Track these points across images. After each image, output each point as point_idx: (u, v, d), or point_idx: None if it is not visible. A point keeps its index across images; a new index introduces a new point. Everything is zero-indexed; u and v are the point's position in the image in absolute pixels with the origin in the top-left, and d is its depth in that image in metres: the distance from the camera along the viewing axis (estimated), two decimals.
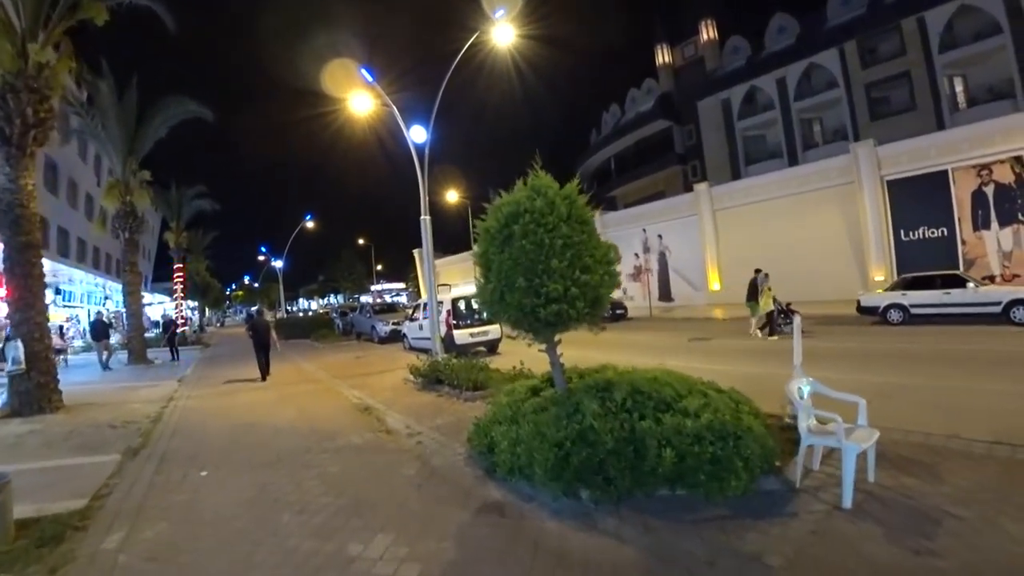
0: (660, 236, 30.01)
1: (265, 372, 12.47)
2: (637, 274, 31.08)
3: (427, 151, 13.37)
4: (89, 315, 29.88)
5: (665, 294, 29.42)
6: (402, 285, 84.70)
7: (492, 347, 15.15)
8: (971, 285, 13.26)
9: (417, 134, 13.39)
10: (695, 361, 10.14)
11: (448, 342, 13.71)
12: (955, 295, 13.24)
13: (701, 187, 28.15)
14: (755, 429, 4.17)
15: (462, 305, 14.89)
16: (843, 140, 34.91)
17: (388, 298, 66.53)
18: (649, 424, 4.10)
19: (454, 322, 14.37)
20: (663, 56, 47.39)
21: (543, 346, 5.20)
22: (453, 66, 12.73)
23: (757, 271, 14.62)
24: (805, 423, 4.25)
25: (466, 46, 12.53)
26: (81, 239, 31.83)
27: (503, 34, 12.36)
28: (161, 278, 48.16)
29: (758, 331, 13.78)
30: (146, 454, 6.14)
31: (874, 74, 33.62)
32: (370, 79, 12.80)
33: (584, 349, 14.42)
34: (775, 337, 12.82)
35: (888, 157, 20.60)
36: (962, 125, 21.55)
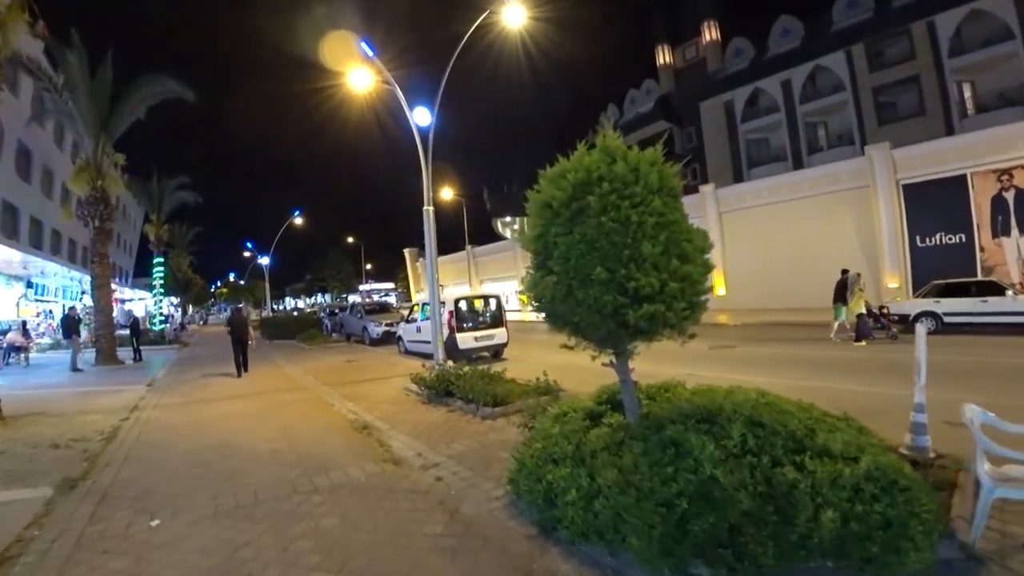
0: None
1: (241, 368, 12.72)
2: None
3: (431, 135, 12.13)
4: (64, 310, 28.15)
5: None
6: (391, 285, 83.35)
7: (497, 352, 13.94)
8: (1010, 293, 12.53)
9: (421, 116, 12.13)
10: (728, 371, 9.18)
11: (450, 347, 12.45)
12: (992, 303, 12.45)
13: (707, 189, 27.29)
14: (910, 474, 2.99)
15: (465, 307, 13.60)
16: (849, 144, 34.41)
17: (377, 298, 65.10)
18: (792, 474, 2.86)
19: (457, 325, 13.06)
20: (664, 57, 46.56)
21: (609, 359, 3.95)
22: (460, 46, 11.50)
23: (845, 271, 13.59)
24: (984, 467, 3.11)
25: (473, 27, 11.34)
26: (56, 231, 30.08)
27: (514, 15, 11.33)
28: (143, 273, 46.10)
29: (839, 336, 12.64)
30: (85, 488, 4.78)
31: (882, 78, 33.06)
32: (370, 53, 11.50)
33: (569, 354, 12.85)
34: (863, 343, 11.68)
35: (904, 160, 19.90)
36: (971, 131, 20.98)
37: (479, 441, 5.68)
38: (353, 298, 73.00)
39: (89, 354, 15.68)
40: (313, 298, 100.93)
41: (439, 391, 7.95)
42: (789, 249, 22.50)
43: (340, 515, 3.87)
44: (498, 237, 53.89)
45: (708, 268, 3.72)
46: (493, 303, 14.17)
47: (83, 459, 5.67)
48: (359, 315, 21.02)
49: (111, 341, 15.38)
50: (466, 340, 12.96)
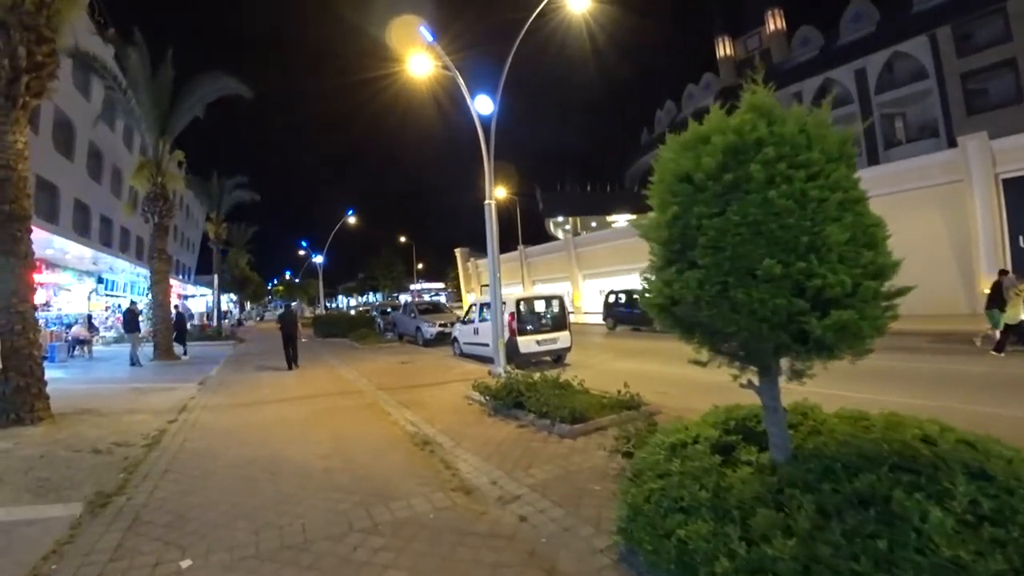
0: None
1: (291, 362, 13.62)
2: None
3: (494, 124, 11.41)
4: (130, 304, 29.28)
5: None
6: (441, 285, 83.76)
7: (559, 358, 13.07)
8: None
9: (482, 105, 11.42)
10: (826, 386, 7.64)
11: (511, 350, 11.67)
12: None
13: None
14: None
15: (526, 308, 12.80)
16: (932, 137, 31.76)
17: (427, 297, 65.30)
18: None
19: (518, 327, 12.27)
20: (724, 49, 44.57)
21: (748, 379, 3.03)
22: (522, 33, 10.75)
23: (1003, 272, 11.88)
24: None
25: (533, 15, 10.58)
26: (125, 228, 31.29)
27: (577, 2, 10.60)
28: (206, 271, 47.69)
29: (985, 344, 11.21)
30: (118, 506, 4.21)
31: (972, 63, 30.12)
32: (430, 38, 10.89)
33: (635, 359, 12.42)
34: (1002, 355, 10.17)
35: (1004, 152, 17.64)
36: None
37: (562, 467, 4.81)
38: (404, 297, 73.86)
39: (148, 348, 15.83)
40: (364, 297, 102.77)
41: (507, 402, 7.14)
42: None
43: (407, 568, 3.10)
44: (548, 238, 53.04)
45: (897, 264, 2.75)
46: (556, 304, 13.31)
47: (122, 468, 5.15)
48: (412, 315, 20.58)
49: (168, 336, 15.48)
50: (528, 344, 12.15)
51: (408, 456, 5.46)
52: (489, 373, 10.91)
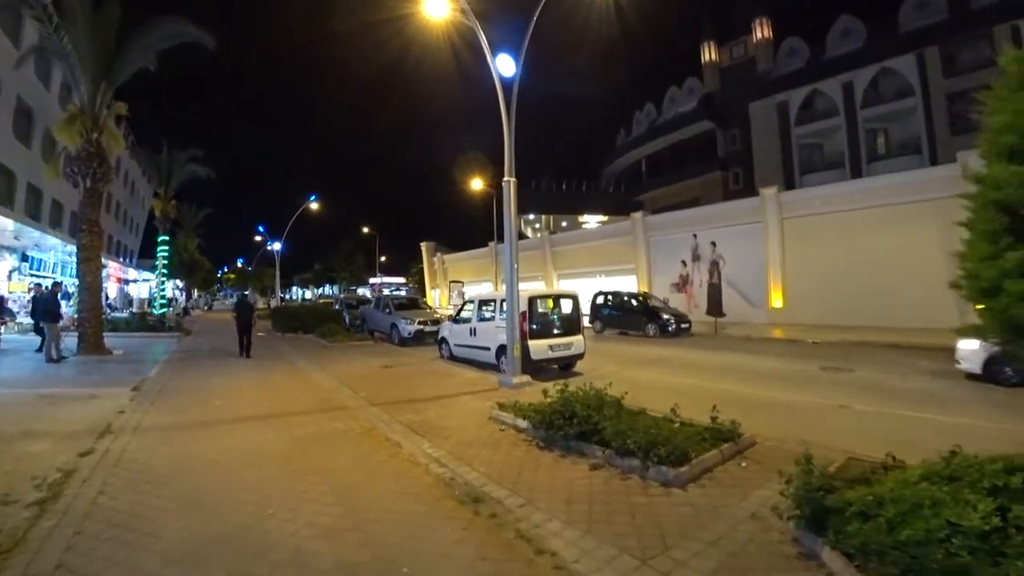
0: (714, 243, 26.49)
1: (245, 351, 13.54)
2: (683, 284, 27.70)
3: (515, 88, 9.54)
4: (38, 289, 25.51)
5: (715, 308, 25.83)
6: (402, 280, 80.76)
7: (569, 365, 11.33)
8: None
9: (504, 65, 9.54)
10: (880, 403, 7.44)
11: (523, 355, 9.83)
12: None
13: (768, 192, 24.68)
14: None
15: (539, 308, 10.99)
16: (915, 154, 31.85)
17: (386, 292, 62.20)
18: None
19: (528, 330, 10.41)
20: (709, 54, 43.91)
21: None
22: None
23: None
24: None
25: None
26: (57, 201, 27.74)
27: None
28: (149, 255, 43.64)
29: None
30: None
31: (959, 84, 30.32)
32: None
33: (649, 368, 11.18)
34: None
35: None
36: None
37: (710, 543, 3.07)
38: (362, 291, 70.51)
39: (71, 340, 12.93)
40: (321, 289, 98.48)
41: (565, 431, 5.28)
42: (859, 262, 20.22)
43: None
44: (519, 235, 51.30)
45: None
46: (569, 304, 11.54)
47: None
48: (387, 310, 18.36)
49: (97, 327, 12.58)
50: (539, 349, 10.29)
51: (464, 528, 3.52)
52: (499, 384, 9.08)
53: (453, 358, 12.79)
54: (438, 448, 5.39)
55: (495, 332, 11.11)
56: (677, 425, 5.37)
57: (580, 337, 11.33)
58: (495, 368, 10.97)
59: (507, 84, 9.49)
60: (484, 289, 42.64)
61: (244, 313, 14.32)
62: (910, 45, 31.89)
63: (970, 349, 8.87)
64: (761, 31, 40.61)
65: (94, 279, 12.60)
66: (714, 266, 26.48)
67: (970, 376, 8.96)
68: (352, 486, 4.35)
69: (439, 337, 13.65)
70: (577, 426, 5.26)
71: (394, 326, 17.37)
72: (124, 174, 45.35)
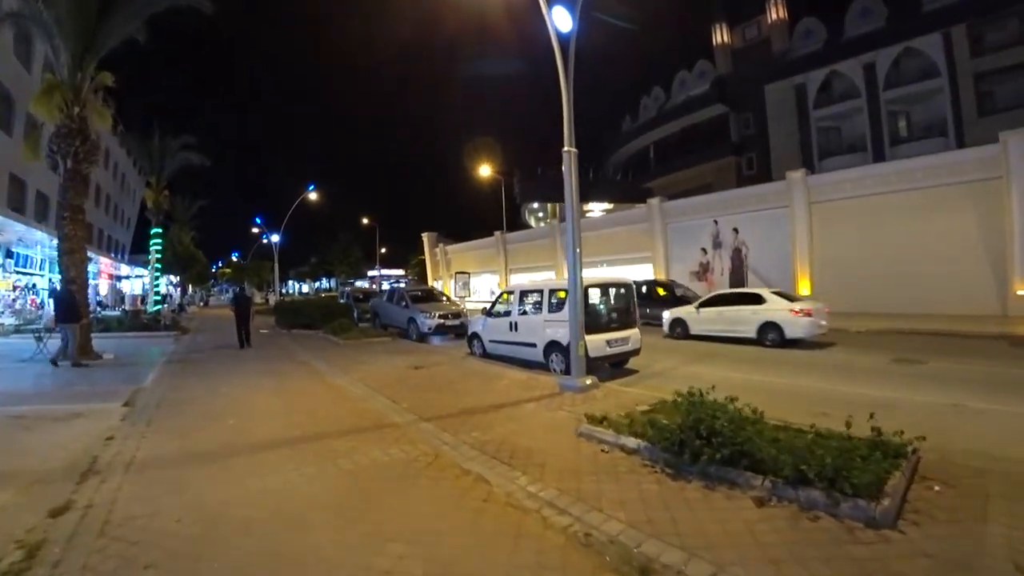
0: (736, 230, 25.59)
1: (244, 341, 14.36)
2: (703, 272, 26.57)
3: (573, 45, 8.11)
4: (51, 285, 23.93)
5: None
6: (401, 272, 79.32)
7: (622, 362, 10.03)
8: None
9: (561, 19, 8.09)
10: (984, 398, 6.82)
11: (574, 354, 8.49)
12: None
13: (796, 175, 23.69)
14: None
15: (594, 298, 9.65)
16: (940, 136, 30.65)
17: (386, 285, 60.59)
18: None
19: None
20: (720, 36, 42.47)
21: None
22: None
23: None
24: None
25: None
26: (43, 193, 26.05)
27: None
28: (142, 250, 41.94)
29: None
30: None
31: (986, 63, 29.24)
32: None
33: (706, 363, 9.93)
34: None
35: None
36: None
37: None
38: (360, 283, 68.98)
39: (53, 343, 11.29)
40: (318, 283, 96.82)
41: (709, 454, 3.95)
42: (890, 247, 19.48)
43: None
44: (522, 226, 49.88)
45: None
46: (623, 294, 10.20)
47: None
48: (403, 303, 16.95)
49: (84, 327, 11.09)
50: (596, 345, 8.92)
51: None
52: (560, 388, 7.74)
53: (486, 355, 11.46)
54: (540, 483, 4.05)
55: (542, 327, 9.77)
56: (812, 437, 4.31)
57: (636, 331, 10.04)
58: (542, 367, 9.66)
59: (564, 41, 8.08)
60: (491, 281, 41.29)
61: (242, 306, 15.08)
62: (934, 24, 30.68)
63: None
64: (776, 11, 39.18)
65: (79, 273, 11.02)
66: (736, 253, 25.50)
67: None
68: (457, 560, 2.96)
69: (469, 332, 12.28)
70: (720, 447, 3.94)
71: (412, 320, 16.00)
72: (113, 165, 43.48)
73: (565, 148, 8.03)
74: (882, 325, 15.41)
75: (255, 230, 47.83)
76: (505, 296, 11.38)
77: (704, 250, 26.59)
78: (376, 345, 14.16)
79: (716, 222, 26.09)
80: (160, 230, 25.72)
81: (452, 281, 42.02)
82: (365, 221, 58.28)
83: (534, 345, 9.89)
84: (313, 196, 36.10)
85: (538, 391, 7.71)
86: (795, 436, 4.34)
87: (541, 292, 10.05)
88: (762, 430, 4.38)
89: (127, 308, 27.94)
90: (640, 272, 27.14)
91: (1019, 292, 16.77)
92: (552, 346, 9.53)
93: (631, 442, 4.80)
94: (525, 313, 10.37)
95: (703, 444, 4.10)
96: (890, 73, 32.53)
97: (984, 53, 29.36)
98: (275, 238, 38.31)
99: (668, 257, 28.23)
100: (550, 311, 9.70)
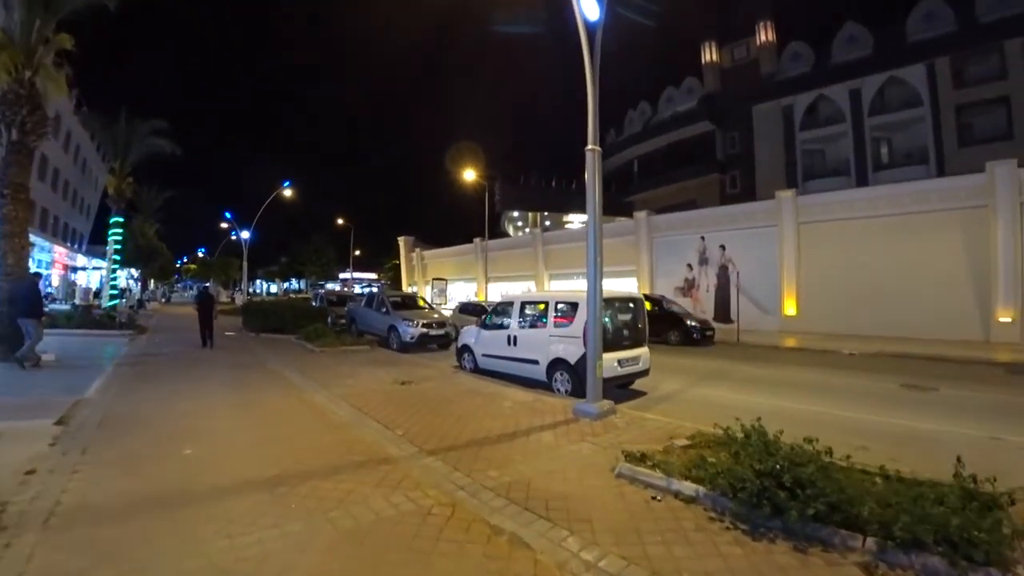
0: (723, 247, 25.31)
1: (206, 340, 14.10)
2: (688, 288, 26.21)
3: (600, 35, 7.31)
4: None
5: (723, 314, 24.71)
6: (374, 275, 77.52)
7: (626, 384, 9.21)
8: None
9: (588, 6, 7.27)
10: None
11: (583, 373, 7.71)
12: None
13: (786, 195, 23.74)
14: None
15: (606, 313, 8.78)
16: (920, 164, 31.16)
17: (358, 288, 58.91)
18: None
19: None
20: (709, 54, 42.67)
21: None
22: None
23: None
24: None
25: None
26: None
27: None
28: (101, 241, 39.53)
29: None
30: None
31: (968, 96, 29.88)
32: None
33: (719, 385, 9.61)
34: None
35: None
36: None
37: None
38: (330, 286, 66.90)
39: None
40: (287, 283, 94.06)
41: (798, 510, 3.14)
42: (879, 270, 19.64)
43: None
44: (501, 234, 49.09)
45: None
46: (633, 309, 9.37)
47: None
48: (383, 309, 15.82)
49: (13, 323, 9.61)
50: (608, 365, 8.03)
51: None
52: (575, 413, 6.85)
53: (478, 370, 10.48)
54: (596, 547, 3.16)
55: (546, 342, 8.86)
56: (882, 481, 3.78)
57: (646, 349, 9.22)
58: (544, 387, 8.75)
59: (591, 29, 7.27)
60: (468, 288, 40.18)
61: (205, 304, 14.79)
62: (918, 56, 31.35)
63: None
64: (765, 34, 39.54)
65: (17, 260, 9.59)
66: (723, 270, 25.25)
67: None
68: None
69: (459, 344, 11.26)
70: (810, 501, 3.13)
71: (393, 328, 14.88)
72: (75, 149, 41.02)
73: (589, 146, 7.22)
74: (873, 348, 15.34)
75: (224, 225, 45.70)
76: (500, 307, 10.43)
77: (690, 266, 26.31)
78: (355, 354, 13.01)
79: (703, 238, 25.86)
80: (121, 219, 23.96)
81: (428, 287, 40.85)
82: (340, 221, 56.54)
83: (536, 362, 8.97)
84: (288, 193, 34.63)
85: (549, 416, 6.80)
86: (872, 482, 3.63)
87: (546, 304, 9.16)
88: (850, 476, 3.64)
89: (78, 302, 25.92)
90: (623, 286, 26.63)
91: (1001, 319, 17.04)
92: (557, 364, 8.63)
93: (687, 488, 4.01)
94: (526, 326, 9.45)
95: (788, 496, 3.30)
96: (875, 100, 33.07)
97: (966, 85, 30.03)
98: (245, 235, 36.54)
99: (653, 271, 27.83)
100: (556, 325, 8.81)
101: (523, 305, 9.68)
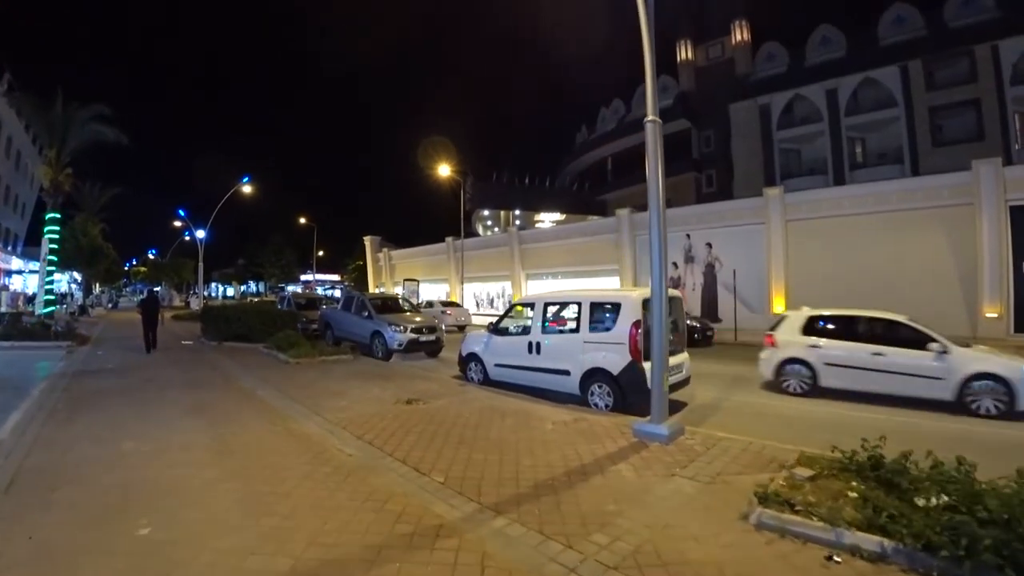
0: (709, 245, 24.88)
1: (151, 345, 13.65)
2: (673, 287, 25.47)
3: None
4: None
5: (710, 313, 24.24)
6: (336, 277, 75.00)
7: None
8: None
9: None
10: None
11: (636, 384, 6.52)
12: None
13: (773, 192, 23.56)
14: None
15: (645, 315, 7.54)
16: (895, 163, 31.52)
17: (320, 291, 56.28)
18: None
19: (643, 346, 6.91)
20: (684, 53, 42.40)
21: None
22: None
23: None
24: None
25: None
26: None
27: None
28: (38, 241, 36.02)
29: None
30: None
31: (940, 98, 30.41)
32: None
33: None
34: None
35: (1017, 180, 17.45)
36: None
37: None
38: (291, 288, 63.87)
39: None
40: (245, 286, 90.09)
41: None
42: (866, 267, 19.50)
43: None
44: (471, 234, 47.65)
45: None
46: (676, 310, 8.16)
47: None
48: (365, 313, 14.16)
49: None
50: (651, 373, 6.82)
51: None
52: (635, 435, 5.58)
53: (487, 382, 9.09)
54: None
55: (579, 349, 7.53)
56: None
57: (687, 355, 8.02)
58: (576, 401, 7.45)
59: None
60: (440, 290, 38.46)
61: (150, 308, 14.42)
62: (891, 58, 31.79)
63: None
64: (740, 33, 39.45)
65: None
66: (709, 268, 24.71)
67: None
68: None
69: (465, 353, 9.78)
70: None
71: (377, 334, 13.30)
72: (7, 140, 37.33)
73: (649, 117, 6.00)
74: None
75: (178, 224, 42.70)
76: (519, 309, 9.03)
77: (675, 264, 25.58)
78: (337, 365, 11.34)
79: (688, 236, 25.30)
80: (58, 215, 21.38)
81: (400, 289, 39.00)
82: (303, 221, 53.91)
83: (567, 373, 7.62)
84: (247, 189, 32.26)
85: (608, 441, 5.48)
86: None
87: (579, 304, 7.79)
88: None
89: (3, 309, 23.07)
90: (605, 285, 25.83)
91: (987, 315, 17.23)
92: (595, 374, 7.31)
93: (867, 541, 3.01)
94: (552, 331, 8.09)
95: None
96: (850, 100, 33.33)
97: (938, 88, 30.60)
98: (200, 234, 33.91)
99: (637, 270, 26.99)
100: (591, 330, 7.49)
101: (547, 307, 8.31)
